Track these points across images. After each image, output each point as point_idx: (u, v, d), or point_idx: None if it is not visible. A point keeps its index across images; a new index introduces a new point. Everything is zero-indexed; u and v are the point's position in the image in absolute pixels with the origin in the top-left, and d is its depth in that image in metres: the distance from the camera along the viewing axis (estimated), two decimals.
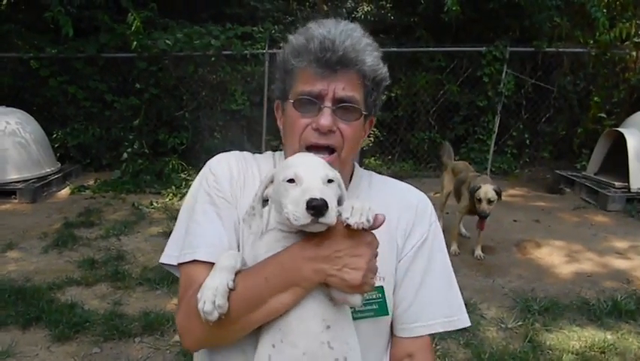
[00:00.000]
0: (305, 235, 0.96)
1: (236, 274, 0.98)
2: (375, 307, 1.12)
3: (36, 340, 3.37)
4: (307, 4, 11.36)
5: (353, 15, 10.89)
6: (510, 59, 8.20)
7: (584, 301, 3.89)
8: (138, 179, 7.45)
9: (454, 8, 7.05)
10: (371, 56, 1.13)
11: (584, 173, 7.45)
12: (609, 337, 3.42)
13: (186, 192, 1.17)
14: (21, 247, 4.98)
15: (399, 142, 9.16)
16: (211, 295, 0.92)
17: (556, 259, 4.85)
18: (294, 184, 0.94)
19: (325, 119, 1.09)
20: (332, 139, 1.10)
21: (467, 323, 1.21)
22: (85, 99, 7.91)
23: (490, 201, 4.58)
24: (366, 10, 11.35)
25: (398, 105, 9.01)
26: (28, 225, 5.61)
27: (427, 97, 8.95)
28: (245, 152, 1.25)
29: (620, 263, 4.74)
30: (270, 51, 7.74)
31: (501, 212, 6.03)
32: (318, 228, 0.91)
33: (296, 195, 0.91)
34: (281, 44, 1.17)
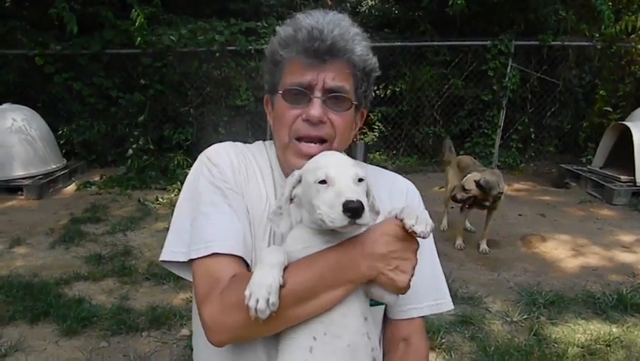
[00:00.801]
0: (349, 237, 0.98)
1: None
2: None
3: (44, 334, 3.40)
4: None
5: (357, 9, 10.86)
6: (515, 52, 8.17)
7: (590, 295, 3.89)
8: (144, 175, 7.48)
9: (458, 2, 7.03)
10: (360, 45, 1.12)
11: (589, 167, 7.42)
12: (615, 330, 3.42)
13: None
14: (28, 242, 5.01)
15: (403, 137, 9.15)
16: (265, 293, 0.90)
17: (562, 253, 4.85)
18: (325, 185, 0.94)
19: (315, 109, 1.08)
20: (323, 130, 1.10)
21: (451, 306, 1.25)
22: (90, 96, 7.93)
23: (465, 190, 4.59)
24: (370, 4, 11.32)
25: (403, 100, 9.00)
26: (34, 221, 5.64)
27: (431, 91, 8.93)
28: (236, 142, 1.25)
29: (625, 257, 4.73)
30: None
31: (506, 206, 6.03)
32: (353, 229, 0.92)
33: (330, 198, 0.91)
34: None
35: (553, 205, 6.44)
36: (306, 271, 0.97)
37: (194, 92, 8.21)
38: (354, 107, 1.15)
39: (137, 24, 7.17)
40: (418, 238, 0.98)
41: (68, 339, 3.35)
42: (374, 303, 1.11)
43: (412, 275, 0.99)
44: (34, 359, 3.12)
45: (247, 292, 0.91)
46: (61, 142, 7.82)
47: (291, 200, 1.03)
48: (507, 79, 8.23)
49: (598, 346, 3.23)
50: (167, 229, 1.17)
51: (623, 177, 6.60)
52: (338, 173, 0.94)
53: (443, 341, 3.26)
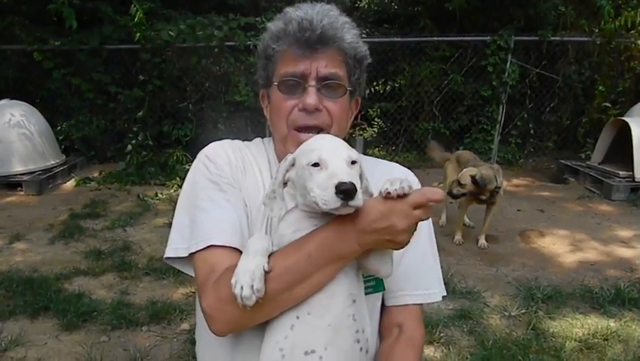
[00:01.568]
0: (330, 216, 0.97)
1: (269, 256, 0.98)
2: (373, 283, 1.14)
3: (44, 329, 3.41)
4: None
5: (357, 4, 10.83)
6: (514, 48, 8.16)
7: (588, 290, 3.90)
8: (143, 171, 7.49)
9: None
10: (349, 33, 1.15)
11: (588, 162, 7.44)
12: (612, 324, 3.44)
13: None
14: (27, 238, 5.02)
15: (403, 132, 9.15)
16: (248, 279, 0.91)
17: (560, 248, 4.86)
18: (318, 168, 0.94)
19: (311, 98, 1.10)
20: (319, 118, 1.12)
21: (439, 298, 1.26)
22: (89, 91, 7.92)
23: (461, 185, 4.60)
24: None
25: (402, 95, 9.00)
26: (34, 216, 5.65)
27: (430, 87, 8.92)
28: (235, 140, 1.27)
29: (623, 252, 4.74)
30: None
31: (505, 202, 6.03)
32: (347, 211, 0.92)
33: (322, 180, 0.92)
34: None
35: (551, 201, 6.45)
36: (294, 255, 0.98)
37: (193, 87, 8.20)
38: (349, 93, 1.17)
39: (136, 19, 7.16)
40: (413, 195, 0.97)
41: (69, 334, 3.37)
42: (371, 291, 1.13)
43: (414, 230, 0.97)
44: (34, 354, 3.14)
45: (233, 281, 0.92)
46: (60, 138, 7.83)
47: (285, 184, 1.04)
48: (506, 74, 8.22)
49: (595, 340, 3.25)
50: (167, 225, 1.18)
51: (622, 173, 6.61)
52: (331, 155, 0.95)
53: (442, 335, 3.28)
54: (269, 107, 1.21)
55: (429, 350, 3.15)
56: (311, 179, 0.94)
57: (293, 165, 1.02)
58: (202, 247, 1.07)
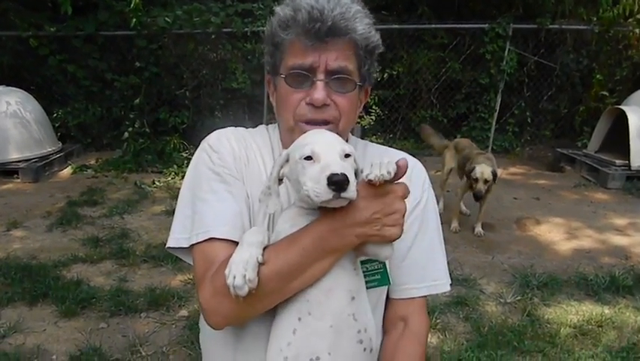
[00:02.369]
0: (327, 209, 0.96)
1: (264, 249, 0.98)
2: (377, 277, 1.12)
3: (43, 316, 3.43)
4: None
5: None
6: (513, 36, 8.13)
7: (583, 277, 3.93)
8: (140, 158, 7.47)
9: None
10: (362, 23, 1.10)
11: (584, 151, 7.46)
12: (607, 311, 3.47)
13: None
14: (25, 225, 5.02)
15: (400, 120, 9.14)
16: (241, 268, 0.91)
17: (556, 235, 4.89)
18: (311, 161, 0.94)
19: (319, 93, 1.07)
20: (327, 113, 1.09)
21: (447, 288, 1.24)
22: (84, 78, 7.87)
23: (485, 181, 4.61)
24: None
25: (400, 83, 8.97)
26: (31, 204, 5.64)
27: (428, 75, 8.90)
28: (239, 128, 1.24)
29: (618, 240, 4.78)
30: None
31: (501, 190, 6.07)
32: (339, 203, 0.91)
33: (315, 172, 0.91)
34: None
35: (548, 189, 6.48)
36: (288, 248, 0.97)
37: (190, 74, 8.16)
38: (358, 86, 1.14)
39: (131, 5, 7.10)
40: (400, 185, 0.97)
41: (67, 320, 3.39)
42: (375, 285, 1.12)
43: (404, 222, 0.97)
44: (33, 340, 3.15)
45: (227, 271, 0.92)
46: (57, 125, 7.79)
47: (281, 180, 1.03)
48: (504, 62, 8.20)
49: (590, 326, 3.29)
50: (165, 212, 1.18)
51: (618, 162, 6.64)
52: (324, 149, 0.94)
53: (438, 321, 3.31)
54: (275, 94, 1.18)
55: None
56: (304, 172, 0.93)
57: (287, 160, 1.01)
58: (202, 240, 1.06)
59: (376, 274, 1.12)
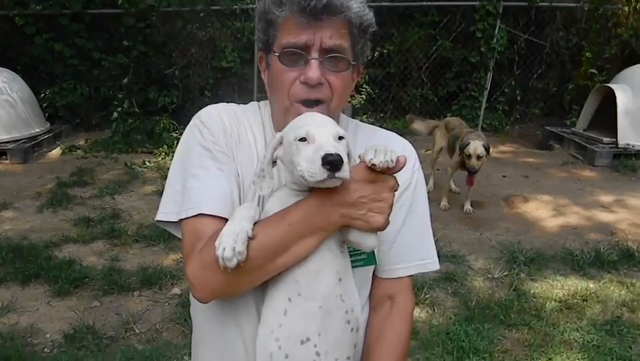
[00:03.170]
0: (318, 189, 0.97)
1: (254, 224, 0.99)
2: (364, 257, 1.14)
3: (36, 295, 3.46)
4: None
5: None
6: (503, 13, 8.09)
7: (568, 253, 4.01)
8: (129, 138, 7.42)
9: None
10: (356, 1, 1.10)
11: (573, 129, 7.50)
12: (592, 286, 3.56)
13: None
14: (15, 206, 5.01)
15: (391, 99, 9.13)
16: (231, 241, 0.93)
17: (543, 212, 4.96)
18: (306, 143, 0.95)
19: (313, 72, 1.07)
20: (321, 92, 1.09)
21: (437, 267, 1.26)
22: (72, 57, 7.78)
23: (479, 157, 4.65)
24: None
25: (390, 62, 8.93)
26: (20, 185, 5.62)
27: (419, 53, 8.86)
28: (230, 104, 1.24)
29: (604, 216, 4.86)
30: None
31: (491, 168, 6.11)
32: (333, 183, 0.93)
33: (309, 153, 0.92)
34: None
35: (536, 167, 6.54)
36: (276, 224, 0.99)
37: (179, 53, 8.08)
38: (352, 67, 1.14)
39: None
40: (392, 178, 0.99)
41: (60, 300, 3.42)
42: (361, 265, 1.14)
43: (390, 213, 0.99)
44: (27, 319, 3.18)
45: (217, 243, 0.94)
46: (44, 105, 7.71)
47: (274, 163, 1.04)
48: (495, 40, 8.18)
49: (575, 300, 3.37)
50: (155, 192, 1.18)
51: (606, 139, 6.69)
52: (318, 130, 0.96)
53: (427, 296, 3.38)
54: (267, 73, 1.17)
55: (415, 312, 3.24)
56: (298, 153, 0.95)
57: (281, 143, 1.02)
58: (191, 215, 1.07)
59: (362, 254, 1.13)
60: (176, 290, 3.51)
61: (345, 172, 0.91)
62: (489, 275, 3.71)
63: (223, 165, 1.11)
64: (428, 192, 4.96)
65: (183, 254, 1.08)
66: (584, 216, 4.87)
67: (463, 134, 4.95)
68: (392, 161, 0.93)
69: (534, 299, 3.39)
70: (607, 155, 6.48)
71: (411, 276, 1.24)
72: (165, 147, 7.00)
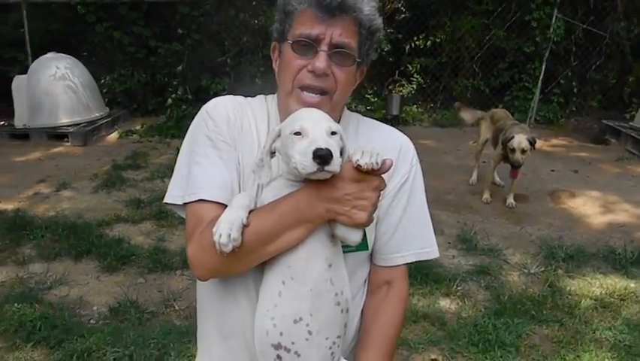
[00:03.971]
0: (310, 182, 1.05)
1: (250, 212, 1.08)
2: None
3: (87, 270, 3.69)
4: None
5: None
6: (561, 2, 7.84)
7: (611, 250, 3.90)
8: (182, 124, 7.65)
9: None
10: (368, 5, 1.17)
11: (631, 123, 7.20)
12: (632, 285, 3.46)
13: None
14: (73, 186, 5.32)
15: (442, 90, 9.02)
16: (227, 228, 1.01)
17: (590, 209, 4.83)
18: (300, 137, 1.02)
19: (321, 62, 1.14)
20: (325, 82, 1.17)
21: (436, 255, 1.32)
22: (130, 45, 8.09)
23: (523, 151, 4.56)
24: None
25: (442, 51, 8.82)
26: (79, 166, 5.95)
27: (472, 42, 8.70)
28: (238, 96, 1.33)
29: None
30: None
31: (539, 162, 5.98)
32: (323, 175, 1.00)
33: (303, 147, 1.00)
34: None
35: (588, 162, 6.33)
36: (268, 214, 1.07)
37: (231, 41, 8.26)
38: (357, 64, 1.21)
39: None
40: (377, 178, 1.05)
41: (109, 275, 3.64)
42: (353, 250, 1.20)
43: (373, 211, 1.06)
44: (77, 292, 3.42)
45: (214, 229, 1.03)
46: (104, 91, 8.07)
47: (273, 154, 1.12)
48: (551, 30, 7.93)
49: (612, 299, 3.29)
50: None
51: None
52: (312, 125, 1.03)
53: (459, 288, 3.38)
54: (278, 60, 1.25)
55: (444, 302, 3.27)
56: (293, 146, 1.02)
57: (279, 135, 1.10)
58: (193, 200, 1.16)
59: None
60: None
61: (334, 166, 0.98)
62: (525, 270, 3.67)
63: (224, 154, 1.20)
64: (471, 185, 4.95)
65: (186, 235, 1.18)
66: (633, 214, 4.70)
67: (507, 126, 4.86)
68: (377, 163, 1.00)
69: (569, 296, 3.34)
70: None
71: (407, 264, 1.30)
72: None
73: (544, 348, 2.86)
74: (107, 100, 8.02)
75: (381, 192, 1.08)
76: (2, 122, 7.28)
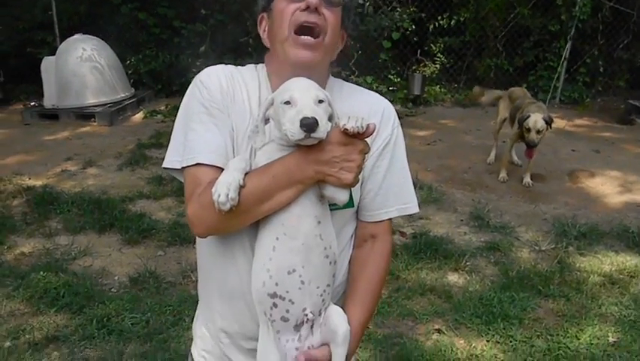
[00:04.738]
0: (300, 147, 1.14)
1: (245, 175, 1.17)
2: None
3: (109, 243, 3.86)
4: None
5: None
6: None
7: (625, 229, 3.89)
8: None
9: None
10: None
11: None
12: None
13: None
14: (99, 164, 5.51)
15: (465, 69, 8.93)
16: (225, 189, 1.11)
17: (608, 188, 4.79)
18: (289, 105, 1.11)
19: None
20: (318, 18, 1.23)
21: (417, 210, 1.41)
22: (154, 26, 8.22)
23: (538, 131, 4.53)
24: None
25: (465, 29, 8.72)
26: (105, 145, 6.13)
27: (496, 21, 8.58)
28: (229, 65, 1.39)
29: None
30: None
31: (560, 142, 5.94)
32: (311, 142, 1.10)
33: (292, 115, 1.09)
34: None
35: (611, 142, 6.24)
36: (262, 175, 1.16)
37: (253, 22, 8.18)
38: (343, 11, 1.29)
39: None
40: (362, 142, 1.14)
41: (130, 247, 3.80)
42: (337, 207, 1.28)
43: (359, 172, 1.15)
44: (100, 263, 3.59)
45: (213, 190, 1.12)
46: (129, 72, 8.22)
47: (267, 121, 1.21)
48: (577, 8, 7.76)
49: (621, 276, 3.31)
50: None
51: None
52: (300, 95, 1.11)
53: (467, 263, 3.43)
54: (268, 23, 1.32)
55: (452, 277, 3.33)
56: (284, 115, 1.11)
57: (272, 103, 1.18)
58: (191, 164, 1.24)
59: None
60: None
61: (320, 133, 1.08)
62: (535, 247, 3.69)
63: (218, 120, 1.28)
64: (489, 165, 4.95)
65: (185, 197, 1.27)
66: None
67: (525, 105, 4.83)
68: (362, 127, 1.09)
69: (578, 273, 3.36)
70: None
71: (390, 219, 1.40)
72: None
73: (547, 321, 2.91)
74: (132, 81, 8.17)
75: (366, 155, 1.17)
76: (33, 103, 7.51)
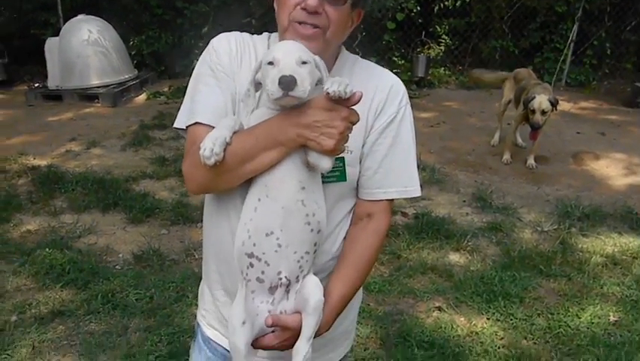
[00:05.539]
0: (285, 110, 1.14)
1: (234, 133, 1.18)
2: (337, 174, 1.30)
3: (114, 221, 3.89)
4: None
5: None
6: None
7: (629, 210, 3.89)
8: None
9: None
10: None
11: None
12: None
13: None
14: (103, 145, 5.52)
15: (470, 51, 8.86)
16: (211, 144, 1.12)
17: (613, 170, 4.77)
18: (272, 66, 1.11)
19: (312, 0, 1.19)
20: (318, 20, 1.22)
21: (418, 194, 1.38)
22: (157, 7, 8.17)
23: (543, 112, 4.50)
24: None
25: (471, 11, 8.63)
26: (109, 126, 6.14)
27: (501, 2, 8.49)
28: (244, 33, 1.40)
29: None
30: None
31: (565, 124, 5.91)
32: (290, 101, 1.09)
33: (273, 75, 1.09)
34: None
35: (617, 124, 6.21)
36: (247, 136, 1.18)
37: (256, 2, 8.25)
38: (350, 5, 1.25)
39: None
40: (348, 110, 1.12)
41: (134, 226, 3.83)
42: (334, 180, 1.29)
43: (344, 139, 1.14)
44: (104, 241, 3.62)
45: (201, 145, 1.13)
46: (133, 53, 8.20)
47: (259, 85, 1.20)
48: None
49: (624, 257, 3.31)
50: None
51: None
52: (283, 55, 1.11)
53: (469, 243, 3.44)
54: (277, 3, 1.30)
55: (454, 256, 3.34)
56: (267, 75, 1.12)
57: (261, 66, 1.18)
58: (192, 122, 1.28)
59: (336, 172, 1.29)
60: None
61: (298, 92, 1.07)
62: (538, 228, 3.69)
63: (223, 83, 1.30)
64: (492, 146, 4.92)
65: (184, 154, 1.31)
66: None
67: (530, 86, 4.80)
68: (345, 92, 1.07)
69: (580, 253, 3.36)
70: None
71: (391, 200, 1.38)
72: None
73: (548, 300, 2.92)
74: (135, 62, 8.16)
75: (352, 125, 1.15)
76: (37, 84, 7.53)
